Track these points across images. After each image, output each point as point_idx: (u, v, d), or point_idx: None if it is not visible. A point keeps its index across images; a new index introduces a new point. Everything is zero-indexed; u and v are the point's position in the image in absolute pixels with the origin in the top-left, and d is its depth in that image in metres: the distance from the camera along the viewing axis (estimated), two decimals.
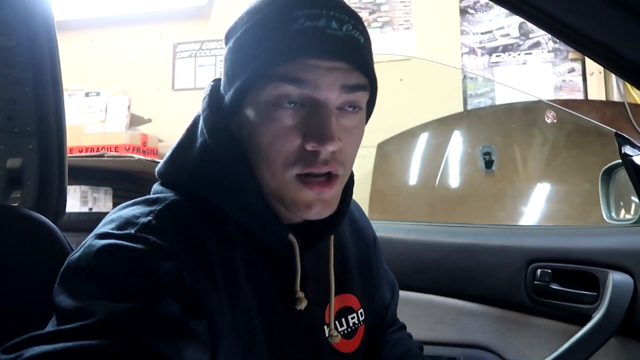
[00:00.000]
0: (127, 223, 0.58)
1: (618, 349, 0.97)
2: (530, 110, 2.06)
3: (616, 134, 1.07)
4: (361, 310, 0.79)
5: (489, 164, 2.05)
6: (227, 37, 0.67)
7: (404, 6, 2.95)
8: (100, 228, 0.59)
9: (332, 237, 0.75)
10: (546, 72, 2.71)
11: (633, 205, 1.10)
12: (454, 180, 2.12)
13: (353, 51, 0.61)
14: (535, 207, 1.87)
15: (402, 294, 1.06)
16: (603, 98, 2.57)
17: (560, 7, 0.67)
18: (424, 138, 2.29)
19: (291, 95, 0.60)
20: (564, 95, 2.66)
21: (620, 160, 1.06)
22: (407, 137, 2.30)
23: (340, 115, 0.62)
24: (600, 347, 0.92)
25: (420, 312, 1.19)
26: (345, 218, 0.73)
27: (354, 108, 0.63)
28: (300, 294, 0.66)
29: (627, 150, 1.03)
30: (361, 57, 0.62)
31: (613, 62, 0.74)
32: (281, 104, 0.60)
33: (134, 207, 0.62)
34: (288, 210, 0.65)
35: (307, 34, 0.59)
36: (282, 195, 0.63)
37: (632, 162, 1.01)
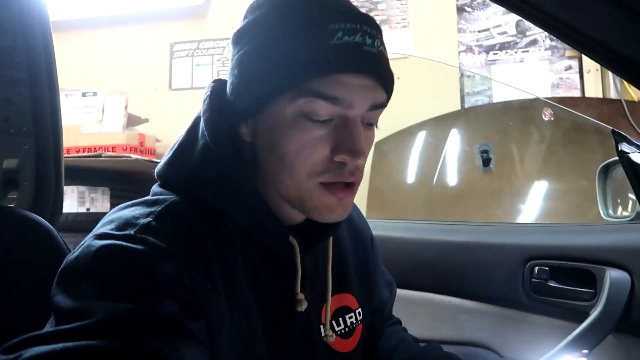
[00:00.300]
0: (126, 224, 0.58)
1: (616, 346, 0.97)
2: (528, 108, 2.07)
3: (613, 131, 1.07)
4: (359, 309, 0.79)
5: (486, 162, 2.06)
6: (241, 37, 0.64)
7: (401, 4, 2.95)
8: (99, 228, 0.59)
9: (331, 237, 0.75)
10: (543, 69, 2.71)
11: (630, 203, 1.10)
12: (452, 178, 2.12)
13: (383, 68, 0.62)
14: (533, 204, 1.87)
15: (400, 292, 1.06)
16: (600, 95, 2.57)
17: (556, 4, 0.67)
18: (421, 136, 2.30)
19: (323, 110, 0.60)
20: (561, 93, 2.66)
21: (617, 158, 1.06)
22: (404, 135, 2.30)
23: (362, 127, 0.63)
24: (598, 344, 0.92)
25: (418, 311, 1.19)
26: (337, 226, 0.74)
27: (374, 123, 0.65)
28: (301, 296, 0.67)
29: (624, 147, 1.03)
30: (389, 74, 0.63)
31: (610, 60, 0.74)
32: (311, 117, 0.60)
33: (133, 208, 0.62)
34: (307, 214, 0.65)
35: (345, 50, 0.58)
36: (304, 201, 0.63)
37: (629, 160, 1.01)
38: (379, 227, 1.19)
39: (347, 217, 0.82)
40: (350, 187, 0.63)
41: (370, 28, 0.60)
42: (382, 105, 0.64)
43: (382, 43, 0.62)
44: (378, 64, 0.61)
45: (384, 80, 0.62)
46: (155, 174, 0.69)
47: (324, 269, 0.74)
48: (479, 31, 2.83)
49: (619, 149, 1.03)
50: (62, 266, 0.57)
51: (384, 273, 0.93)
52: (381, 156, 2.32)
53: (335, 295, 0.75)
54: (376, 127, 0.66)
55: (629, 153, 1.02)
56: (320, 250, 0.74)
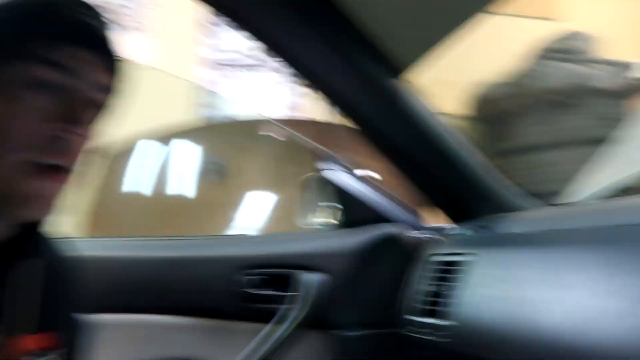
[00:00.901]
0: None
1: (306, 340, 1.09)
2: (256, 126, 2.22)
3: (312, 148, 1.23)
4: (57, 349, 0.71)
5: (217, 175, 2.13)
6: None
7: (145, 12, 2.89)
8: None
9: (25, 267, 0.66)
10: (275, 90, 2.96)
11: (323, 212, 1.26)
12: (181, 192, 2.13)
13: (110, 51, 0.63)
14: (255, 215, 2.00)
15: (112, 318, 1.00)
16: (320, 117, 2.92)
17: (277, 29, 0.73)
18: (153, 150, 2.25)
19: (45, 77, 0.57)
20: (291, 114, 2.94)
21: (314, 172, 1.21)
22: (134, 150, 2.23)
23: (85, 107, 0.61)
24: (289, 341, 1.02)
25: (127, 335, 1.13)
26: (39, 247, 0.68)
27: (97, 107, 0.63)
28: None
29: (319, 164, 1.19)
30: (115, 59, 0.64)
31: (309, 82, 0.86)
32: (30, 84, 0.57)
33: None
34: (5, 208, 0.58)
35: (71, 23, 0.59)
36: (4, 185, 0.57)
37: (322, 174, 1.17)
38: (98, 247, 1.13)
39: (43, 249, 0.74)
40: (59, 173, 0.58)
41: (99, 14, 0.63)
42: (107, 89, 0.63)
43: (109, 31, 0.64)
44: (105, 44, 0.63)
45: (109, 62, 0.63)
46: None
47: (14, 301, 0.64)
48: (219, 49, 2.94)
49: (316, 165, 1.19)
50: None
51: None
52: (111, 170, 2.19)
53: (33, 333, 0.65)
54: (99, 110, 0.64)
55: (323, 169, 1.18)
56: (10, 280, 0.64)
